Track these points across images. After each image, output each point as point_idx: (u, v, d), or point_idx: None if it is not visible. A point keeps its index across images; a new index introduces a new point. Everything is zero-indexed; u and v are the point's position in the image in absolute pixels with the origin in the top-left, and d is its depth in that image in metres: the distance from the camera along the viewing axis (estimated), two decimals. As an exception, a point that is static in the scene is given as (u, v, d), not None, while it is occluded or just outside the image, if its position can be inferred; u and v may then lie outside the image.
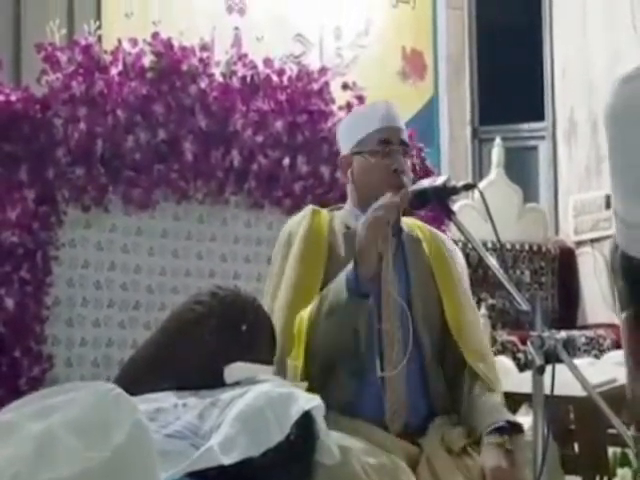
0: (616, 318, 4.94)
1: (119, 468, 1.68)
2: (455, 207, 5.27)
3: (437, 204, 2.20)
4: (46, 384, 3.63)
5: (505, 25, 7.22)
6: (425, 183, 2.23)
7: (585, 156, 6.66)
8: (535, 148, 7.29)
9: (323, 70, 4.51)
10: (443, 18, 7.29)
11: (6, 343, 3.65)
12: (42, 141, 3.79)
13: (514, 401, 2.48)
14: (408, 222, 2.51)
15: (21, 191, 3.73)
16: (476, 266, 4.93)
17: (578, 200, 6.67)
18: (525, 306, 1.87)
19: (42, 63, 3.91)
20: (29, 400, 1.82)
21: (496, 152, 6.57)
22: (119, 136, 3.91)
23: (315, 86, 4.38)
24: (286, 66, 4.43)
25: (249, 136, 4.16)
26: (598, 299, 6.24)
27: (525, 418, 2.25)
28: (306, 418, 1.95)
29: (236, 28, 6.19)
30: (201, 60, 4.14)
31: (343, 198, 2.57)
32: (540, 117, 7.19)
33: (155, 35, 4.09)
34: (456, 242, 2.80)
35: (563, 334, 5.57)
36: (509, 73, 7.01)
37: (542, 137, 7.22)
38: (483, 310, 5.42)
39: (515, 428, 2.21)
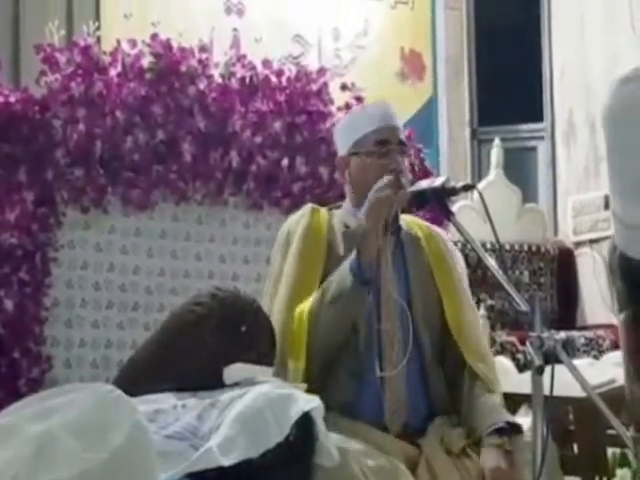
0: (615, 319, 4.94)
1: (118, 469, 1.68)
2: (454, 208, 5.25)
3: (436, 205, 2.20)
4: (45, 385, 3.64)
5: (504, 26, 7.22)
6: (424, 184, 2.23)
7: (584, 157, 6.66)
8: (534, 149, 7.29)
9: (322, 71, 4.51)
10: (442, 19, 7.28)
11: (5, 344, 3.66)
12: (41, 142, 3.80)
13: (513, 402, 2.48)
14: (407, 220, 2.50)
15: (20, 192, 3.73)
16: (475, 267, 4.93)
17: (577, 201, 6.67)
18: (524, 307, 1.87)
19: (41, 64, 3.92)
20: (28, 402, 1.82)
21: (495, 153, 6.57)
22: (118, 137, 3.91)
23: (314, 87, 4.38)
24: (285, 67, 4.44)
25: (248, 137, 4.17)
26: (597, 300, 6.24)
27: (524, 419, 2.25)
28: (305, 419, 1.95)
29: (235, 29, 6.20)
30: (200, 61, 4.15)
31: (342, 198, 2.57)
32: (539, 118, 7.18)
33: (154, 36, 4.09)
34: (455, 243, 2.79)
35: (562, 335, 5.57)
36: (508, 74, 7.01)
37: (541, 138, 7.22)
38: (482, 311, 5.42)
39: (514, 429, 2.21)
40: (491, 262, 2.01)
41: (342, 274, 2.24)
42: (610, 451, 2.98)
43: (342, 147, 2.48)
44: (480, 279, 5.26)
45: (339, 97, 4.52)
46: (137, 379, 2.16)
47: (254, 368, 2.16)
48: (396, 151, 2.38)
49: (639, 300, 2.32)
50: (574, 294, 6.51)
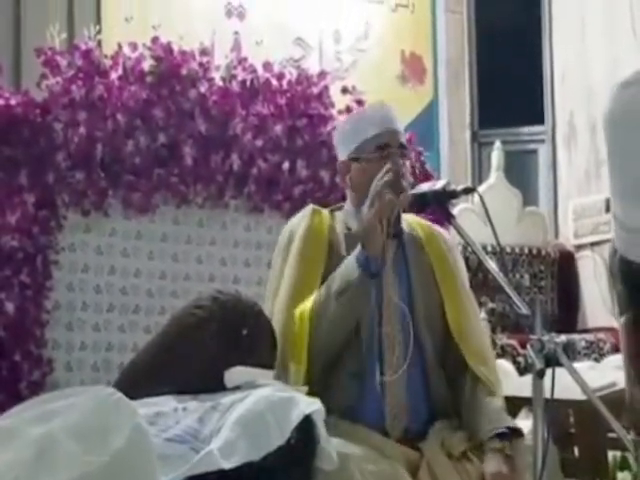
0: (616, 322, 4.94)
1: (119, 472, 1.68)
2: (455, 211, 5.25)
3: (437, 208, 2.20)
4: (46, 388, 3.64)
5: (504, 28, 7.21)
6: (425, 187, 2.23)
7: (585, 160, 6.65)
8: (535, 152, 7.28)
9: (322, 74, 4.51)
10: (442, 22, 7.28)
11: (6, 347, 3.65)
12: (42, 145, 3.80)
13: (514, 405, 2.48)
14: (408, 220, 2.49)
15: (21, 195, 3.74)
16: (476, 270, 4.92)
17: (578, 204, 6.67)
18: (525, 310, 1.87)
19: (42, 67, 3.92)
20: (29, 405, 1.83)
21: (496, 156, 6.57)
22: (119, 140, 3.91)
23: (315, 90, 4.38)
24: (285, 70, 4.43)
25: (249, 140, 4.17)
26: (598, 303, 6.23)
27: (525, 422, 2.25)
28: (307, 422, 1.95)
29: (236, 32, 6.19)
30: (201, 64, 4.15)
31: (343, 201, 2.56)
32: (540, 121, 7.18)
33: (155, 39, 4.09)
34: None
35: (563, 338, 5.56)
36: (509, 76, 7.01)
37: (542, 141, 7.21)
38: (483, 314, 5.41)
39: (515, 433, 2.21)
40: (492, 265, 2.01)
41: (347, 268, 2.23)
42: (611, 454, 2.98)
43: (342, 152, 2.47)
44: (481, 282, 5.25)
45: (340, 100, 4.52)
46: (138, 382, 2.17)
47: (255, 371, 2.16)
48: (397, 154, 2.37)
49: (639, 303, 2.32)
50: (575, 297, 6.51)
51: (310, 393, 2.09)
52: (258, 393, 2.00)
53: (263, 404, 1.95)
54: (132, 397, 1.87)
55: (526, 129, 7.25)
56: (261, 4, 6.46)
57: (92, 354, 3.92)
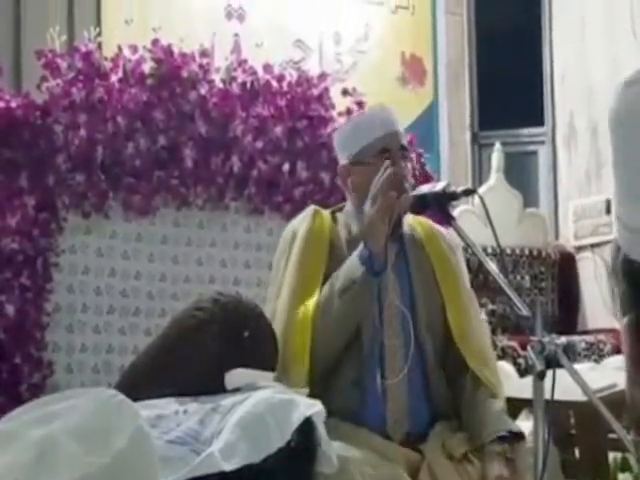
0: (616, 323, 4.93)
1: (120, 474, 1.68)
2: (455, 212, 5.27)
3: (437, 209, 2.20)
4: (47, 390, 3.64)
5: (504, 30, 7.22)
6: (425, 189, 2.23)
7: (585, 161, 6.66)
8: (535, 153, 7.28)
9: (323, 76, 4.52)
10: (442, 24, 7.28)
11: (6, 350, 3.65)
12: (42, 147, 3.80)
13: (514, 406, 2.48)
14: (409, 220, 2.47)
15: (21, 198, 3.74)
16: (476, 271, 4.91)
17: (578, 205, 6.67)
18: (525, 311, 1.87)
19: (42, 70, 3.92)
20: (30, 407, 1.82)
21: (496, 157, 6.57)
22: (119, 142, 3.91)
23: (315, 92, 4.38)
24: (286, 72, 4.44)
25: (249, 142, 4.17)
26: (598, 304, 6.24)
27: (526, 423, 2.24)
28: (307, 424, 1.94)
29: (236, 34, 6.19)
30: (201, 66, 4.15)
31: (343, 202, 2.56)
32: (540, 122, 7.18)
33: (155, 42, 4.10)
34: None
35: (563, 339, 5.56)
36: (509, 78, 7.01)
37: (542, 142, 7.22)
38: (483, 315, 5.42)
39: (516, 436, 2.20)
40: (492, 267, 2.01)
41: (351, 266, 2.22)
42: (611, 455, 2.98)
43: (343, 156, 2.46)
44: (481, 284, 5.24)
45: (340, 102, 4.52)
46: (138, 384, 2.16)
47: (255, 373, 2.15)
48: (398, 157, 2.37)
49: (642, 304, 2.32)
50: (575, 298, 6.51)
51: (311, 395, 2.09)
52: (258, 395, 2.00)
53: (263, 406, 1.94)
54: (133, 399, 1.86)
55: (526, 130, 7.26)
56: (261, 6, 6.46)
57: (92, 356, 3.92)
